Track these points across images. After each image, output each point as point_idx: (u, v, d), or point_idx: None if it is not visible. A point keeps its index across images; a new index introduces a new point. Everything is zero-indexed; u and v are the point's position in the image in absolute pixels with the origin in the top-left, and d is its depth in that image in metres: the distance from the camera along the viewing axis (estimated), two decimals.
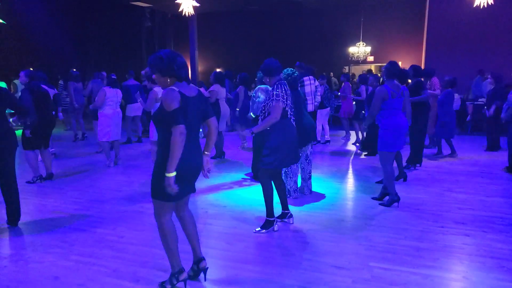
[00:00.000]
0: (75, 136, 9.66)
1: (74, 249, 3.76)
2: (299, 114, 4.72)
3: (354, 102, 9.20)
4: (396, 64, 4.72)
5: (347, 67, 16.97)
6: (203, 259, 3.11)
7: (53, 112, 6.19)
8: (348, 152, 8.33)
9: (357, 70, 16.76)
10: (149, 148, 6.32)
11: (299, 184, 5.36)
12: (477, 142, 8.97)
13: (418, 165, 6.66)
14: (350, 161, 7.54)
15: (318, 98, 7.43)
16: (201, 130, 6.75)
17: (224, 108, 7.32)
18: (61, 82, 9.58)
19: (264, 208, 4.09)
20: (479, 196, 5.20)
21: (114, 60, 16.41)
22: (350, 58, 16.35)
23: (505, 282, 3.09)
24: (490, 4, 9.35)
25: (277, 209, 4.27)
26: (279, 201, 4.24)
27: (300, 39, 16.66)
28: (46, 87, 6.28)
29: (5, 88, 4.25)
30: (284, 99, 3.87)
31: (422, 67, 12.57)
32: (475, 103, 10.39)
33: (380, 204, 4.87)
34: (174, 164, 2.60)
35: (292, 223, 4.27)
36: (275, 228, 4.08)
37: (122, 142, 7.68)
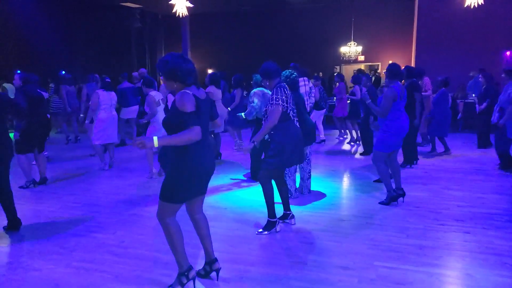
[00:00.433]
0: (67, 139, 9.53)
1: (74, 255, 3.69)
2: (301, 115, 4.70)
3: (348, 101, 9.24)
4: (397, 65, 4.74)
5: (338, 67, 17.05)
6: (216, 260, 3.12)
7: (48, 115, 6.10)
8: (343, 152, 8.37)
9: (348, 70, 16.85)
10: (145, 150, 6.26)
11: (297, 184, 5.35)
12: (469, 140, 9.06)
13: (415, 162, 6.73)
14: (346, 160, 7.57)
15: (312, 99, 7.45)
16: None
17: (221, 109, 7.29)
18: (52, 85, 9.42)
19: (265, 209, 4.08)
20: (476, 193, 5.25)
21: (104, 61, 16.21)
22: (341, 58, 16.44)
23: (509, 278, 3.12)
24: (480, 4, 9.45)
25: (279, 210, 4.26)
26: (280, 201, 4.23)
27: (292, 40, 16.68)
28: (40, 91, 6.19)
29: (4, 93, 4.20)
30: (284, 102, 3.84)
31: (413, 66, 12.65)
32: (466, 101, 10.49)
33: (379, 203, 4.88)
34: (167, 142, 2.61)
35: (294, 223, 4.26)
36: (277, 229, 4.06)
37: (116, 144, 7.58)
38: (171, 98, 4.81)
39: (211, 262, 3.12)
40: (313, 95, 7.57)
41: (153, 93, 5.96)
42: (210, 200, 5.17)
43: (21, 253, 3.78)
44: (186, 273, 2.92)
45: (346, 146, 8.89)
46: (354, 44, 15.87)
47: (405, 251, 3.61)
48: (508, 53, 12.87)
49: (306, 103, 7.16)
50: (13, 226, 4.24)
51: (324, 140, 9.17)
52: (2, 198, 4.19)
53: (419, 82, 7.57)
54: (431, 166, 6.71)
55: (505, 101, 6.03)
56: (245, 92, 8.37)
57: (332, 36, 16.56)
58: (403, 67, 6.68)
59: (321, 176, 6.28)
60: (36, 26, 13.97)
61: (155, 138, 2.56)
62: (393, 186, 4.86)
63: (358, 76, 9.25)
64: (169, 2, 9.95)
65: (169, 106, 4.89)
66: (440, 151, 7.69)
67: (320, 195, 5.31)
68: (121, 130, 9.06)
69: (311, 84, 7.33)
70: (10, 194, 4.24)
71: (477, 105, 7.85)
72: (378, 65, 17.22)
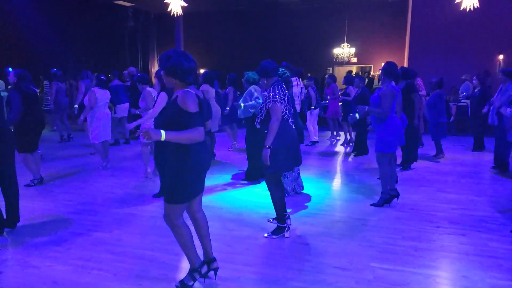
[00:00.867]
0: (61, 137, 9.43)
1: (71, 253, 3.67)
2: (294, 116, 4.71)
3: (340, 103, 9.27)
4: (394, 64, 4.73)
5: (330, 68, 17.13)
6: (214, 259, 3.13)
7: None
8: (336, 153, 8.40)
9: (341, 72, 16.93)
10: (140, 149, 6.23)
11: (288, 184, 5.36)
12: (461, 143, 9.16)
13: (410, 167, 6.74)
14: (339, 161, 7.61)
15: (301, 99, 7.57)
16: None
17: (215, 108, 7.29)
18: (46, 82, 9.31)
19: (260, 210, 4.08)
20: (469, 196, 5.31)
21: (97, 59, 16.11)
22: (334, 59, 16.52)
23: (505, 281, 3.17)
24: (476, 7, 9.53)
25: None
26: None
27: (285, 40, 16.71)
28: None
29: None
30: (282, 100, 3.82)
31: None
32: (458, 104, 10.61)
33: (371, 204, 4.90)
34: (174, 138, 2.62)
35: (290, 224, 4.27)
36: (286, 235, 3.98)
37: (109, 143, 7.53)
38: (164, 96, 4.76)
39: (209, 261, 3.11)
40: (303, 96, 7.65)
41: (150, 88, 5.96)
42: (205, 200, 5.05)
43: (18, 251, 3.75)
44: (199, 269, 2.97)
45: (339, 148, 8.93)
46: (347, 45, 15.96)
47: (401, 252, 3.64)
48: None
49: (298, 103, 7.26)
50: (10, 223, 4.19)
51: (317, 141, 9.19)
52: (9, 193, 4.15)
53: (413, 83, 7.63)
54: (424, 169, 6.77)
55: (505, 102, 6.06)
56: (238, 93, 8.39)
57: (325, 38, 16.64)
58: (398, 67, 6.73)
59: (315, 177, 6.30)
60: (28, 24, 13.85)
61: (162, 132, 2.55)
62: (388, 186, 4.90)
63: (351, 77, 9.31)
64: (164, 1, 9.93)
65: (158, 103, 4.84)
66: (432, 154, 7.71)
67: (314, 196, 5.33)
68: (114, 130, 8.99)
69: (302, 85, 7.40)
70: (17, 190, 4.22)
71: (469, 108, 7.92)
72: (370, 67, 17.35)
